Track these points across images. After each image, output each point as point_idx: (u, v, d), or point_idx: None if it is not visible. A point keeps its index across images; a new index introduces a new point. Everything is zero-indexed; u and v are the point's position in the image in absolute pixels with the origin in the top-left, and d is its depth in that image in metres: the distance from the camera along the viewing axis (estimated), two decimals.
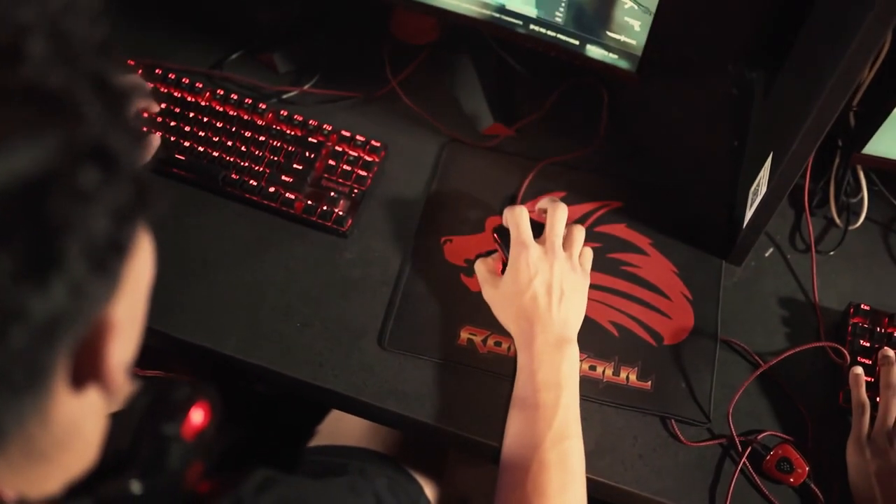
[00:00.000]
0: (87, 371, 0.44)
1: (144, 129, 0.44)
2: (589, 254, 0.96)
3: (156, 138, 1.00)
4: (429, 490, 1.07)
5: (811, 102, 0.80)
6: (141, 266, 0.48)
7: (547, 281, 0.89)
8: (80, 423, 0.47)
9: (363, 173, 1.03)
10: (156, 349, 0.99)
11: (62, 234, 0.38)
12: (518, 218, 0.92)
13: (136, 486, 0.51)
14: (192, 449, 0.53)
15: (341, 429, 1.10)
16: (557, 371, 0.84)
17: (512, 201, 1.05)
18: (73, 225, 0.38)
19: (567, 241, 0.93)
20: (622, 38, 0.97)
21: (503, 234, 0.94)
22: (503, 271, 0.93)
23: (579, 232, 0.94)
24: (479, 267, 0.95)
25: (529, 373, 0.85)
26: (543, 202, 0.96)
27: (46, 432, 0.45)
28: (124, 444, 0.52)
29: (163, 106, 1.05)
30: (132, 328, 0.48)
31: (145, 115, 1.03)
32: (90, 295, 0.41)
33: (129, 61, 1.09)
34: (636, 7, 0.93)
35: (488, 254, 0.98)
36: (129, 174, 0.41)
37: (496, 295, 0.92)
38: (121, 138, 0.41)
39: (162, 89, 1.07)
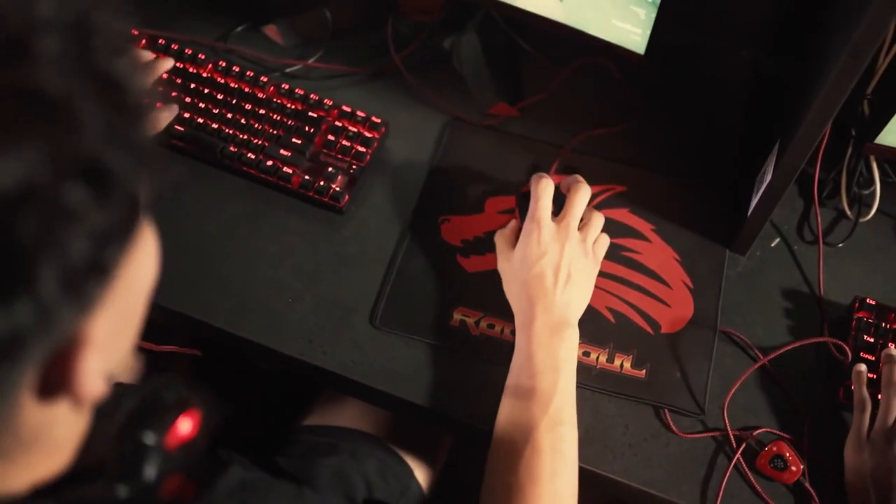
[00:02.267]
0: (56, 383, 0.41)
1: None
2: (605, 241, 0.93)
3: (172, 107, 1.00)
4: (420, 474, 1.06)
5: (818, 87, 0.77)
6: (138, 272, 0.45)
7: (555, 261, 0.86)
8: (47, 429, 0.45)
9: (362, 149, 1.01)
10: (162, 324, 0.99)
11: (34, 253, 0.35)
12: (541, 191, 0.89)
13: (122, 491, 0.49)
14: (173, 460, 0.51)
15: (334, 409, 1.09)
16: (555, 355, 0.82)
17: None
18: (47, 246, 0.35)
19: (584, 225, 0.90)
20: (628, 25, 0.94)
21: (523, 202, 0.91)
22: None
23: (598, 218, 0.91)
24: (498, 238, 0.92)
25: (527, 355, 0.83)
26: (568, 179, 0.93)
27: (10, 435, 0.43)
28: (103, 449, 0.50)
29: (164, 76, 1.05)
30: (118, 339, 0.46)
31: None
32: (59, 317, 0.38)
33: (133, 31, 1.09)
34: None
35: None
36: (125, 196, 0.38)
37: (506, 268, 0.90)
38: (122, 157, 0.37)
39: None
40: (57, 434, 0.47)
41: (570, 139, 1.06)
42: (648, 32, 0.95)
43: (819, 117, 0.78)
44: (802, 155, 0.83)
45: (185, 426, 0.52)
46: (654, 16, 0.93)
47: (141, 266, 0.45)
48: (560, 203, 0.90)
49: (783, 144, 0.87)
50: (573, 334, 0.85)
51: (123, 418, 0.51)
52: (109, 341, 0.44)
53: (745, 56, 1.08)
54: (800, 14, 0.99)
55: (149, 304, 0.49)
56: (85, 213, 0.36)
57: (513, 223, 0.92)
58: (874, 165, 0.99)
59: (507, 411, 0.83)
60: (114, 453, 0.50)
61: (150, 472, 0.50)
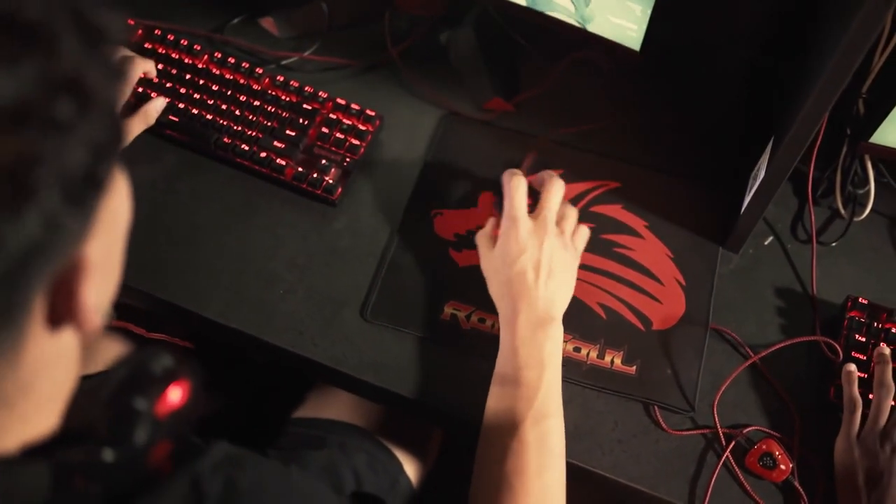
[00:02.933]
0: (62, 310, 0.44)
1: (122, 68, 0.45)
2: (584, 233, 0.93)
3: (160, 101, 1.00)
4: (410, 467, 1.06)
5: (812, 85, 0.77)
6: (117, 207, 0.47)
7: (535, 257, 0.86)
8: (49, 365, 0.47)
9: (356, 142, 1.01)
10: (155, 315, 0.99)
11: (36, 165, 0.38)
12: (514, 189, 0.89)
13: (108, 455, 0.49)
14: (162, 427, 0.51)
15: (325, 401, 1.09)
16: (540, 349, 0.82)
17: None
18: (47, 156, 0.38)
19: (560, 218, 0.90)
20: (624, 21, 0.94)
21: (500, 202, 0.91)
22: None
23: (572, 210, 0.92)
24: (479, 238, 0.92)
25: (511, 350, 0.83)
26: (541, 174, 0.93)
27: (13, 373, 0.44)
28: (94, 413, 0.51)
29: (160, 67, 1.05)
30: (109, 270, 0.48)
31: (141, 89, 1.03)
32: (65, 228, 0.40)
33: (129, 21, 1.09)
34: None
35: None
36: (106, 110, 0.42)
37: (488, 267, 0.90)
38: (97, 74, 0.41)
39: (160, 50, 1.06)
40: (54, 378, 0.48)
41: (566, 136, 1.06)
42: (644, 29, 0.95)
43: (812, 115, 0.78)
44: (795, 153, 0.82)
45: (175, 395, 0.53)
46: (649, 12, 0.93)
47: (121, 196, 0.48)
48: (536, 199, 0.90)
49: (777, 142, 0.87)
50: (557, 329, 0.85)
51: (114, 385, 0.51)
52: (103, 271, 0.46)
53: (741, 53, 1.07)
54: (796, 11, 0.99)
55: (125, 249, 0.51)
56: (76, 126, 0.39)
57: (492, 221, 0.92)
58: (869, 165, 0.99)
59: (493, 405, 0.83)
60: (104, 418, 0.50)
61: (141, 436, 0.50)
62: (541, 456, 0.79)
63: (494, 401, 0.84)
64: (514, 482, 0.77)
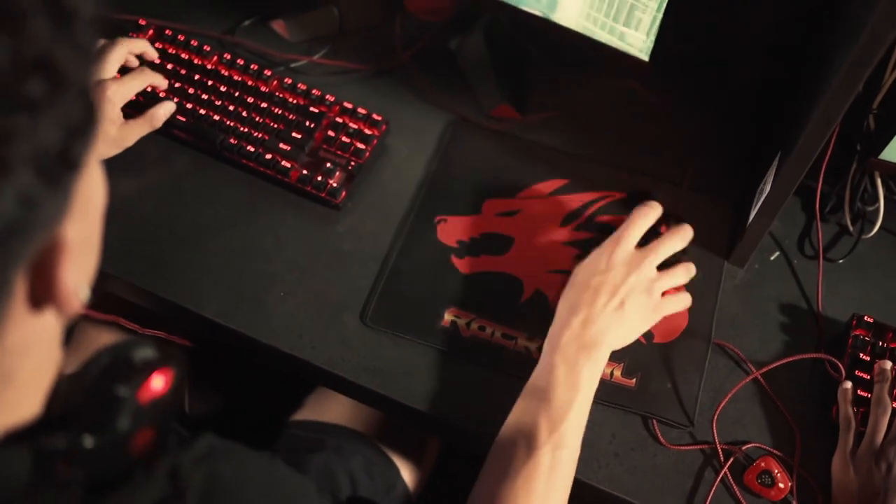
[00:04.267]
0: (42, 291, 0.44)
1: (96, 50, 0.45)
2: (682, 299, 0.89)
3: (169, 106, 1.00)
4: (407, 473, 1.05)
5: (819, 99, 0.76)
6: (92, 189, 0.48)
7: (615, 283, 0.83)
8: (31, 349, 0.47)
9: (361, 146, 1.01)
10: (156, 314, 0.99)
11: (9, 142, 0.38)
12: (639, 215, 0.87)
13: (88, 441, 0.49)
14: (144, 414, 0.51)
15: (324, 405, 1.09)
16: (579, 372, 0.80)
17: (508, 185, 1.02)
18: (20, 134, 0.38)
19: (667, 269, 0.87)
20: (633, 31, 0.94)
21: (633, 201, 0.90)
22: None
23: (686, 271, 0.88)
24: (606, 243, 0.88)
25: (549, 364, 0.81)
26: (678, 223, 0.90)
27: None
28: (76, 400, 0.51)
29: (169, 67, 1.05)
30: (87, 252, 0.49)
31: (150, 89, 1.03)
32: (41, 206, 0.40)
33: (140, 20, 1.09)
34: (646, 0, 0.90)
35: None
36: (79, 90, 0.41)
37: (575, 271, 0.87)
38: (69, 54, 0.41)
39: (170, 50, 1.07)
40: (36, 361, 0.48)
41: (573, 145, 1.05)
42: (653, 39, 0.95)
43: (819, 129, 0.77)
44: (802, 167, 0.81)
45: (157, 383, 0.53)
46: (658, 22, 0.92)
47: (96, 180, 0.48)
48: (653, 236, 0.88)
49: (784, 156, 0.86)
50: (602, 358, 0.82)
51: (97, 371, 0.51)
52: (80, 256, 0.46)
53: (750, 64, 1.06)
54: (806, 23, 0.98)
55: (101, 233, 0.51)
56: (48, 105, 0.39)
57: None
58: (878, 181, 0.98)
59: (515, 419, 0.81)
60: (87, 404, 0.50)
61: (123, 423, 0.50)
62: (549, 484, 0.77)
63: (518, 414, 0.81)
64: (514, 502, 0.76)
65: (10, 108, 0.38)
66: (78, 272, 0.45)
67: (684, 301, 0.89)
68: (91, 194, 0.47)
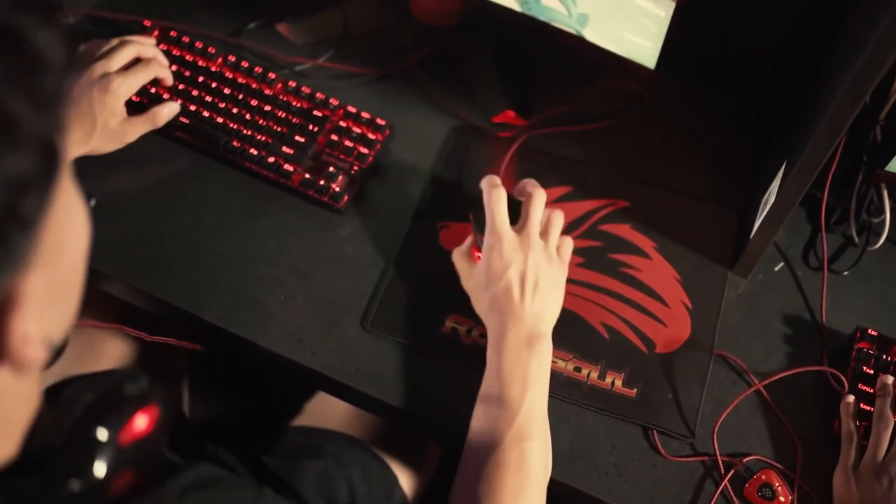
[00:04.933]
0: None
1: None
2: (569, 243, 0.90)
3: (173, 107, 1.00)
4: (406, 481, 1.05)
5: (825, 109, 0.76)
6: (65, 238, 0.45)
7: (521, 272, 0.84)
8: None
9: (365, 151, 1.01)
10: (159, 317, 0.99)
11: None
12: (495, 202, 0.87)
13: (72, 484, 0.48)
14: (126, 456, 0.50)
15: (325, 411, 1.08)
16: (525, 368, 0.81)
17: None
18: None
19: (545, 229, 0.88)
20: (639, 39, 0.93)
21: (479, 215, 0.89)
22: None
23: (558, 218, 0.89)
24: (456, 257, 0.91)
25: (496, 369, 0.82)
26: (522, 184, 0.91)
27: None
28: (56, 442, 0.49)
29: (174, 69, 1.05)
30: (55, 302, 0.46)
31: (154, 90, 1.03)
32: None
33: (145, 22, 1.09)
34: (653, 8, 0.89)
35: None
36: (33, 143, 0.38)
37: (471, 285, 0.89)
38: (24, 101, 0.38)
39: (175, 52, 1.07)
40: (10, 403, 0.46)
41: (577, 152, 1.05)
42: (659, 47, 0.94)
43: (825, 140, 0.76)
44: (807, 178, 0.81)
45: (140, 422, 0.51)
46: (664, 30, 0.92)
47: (70, 228, 0.45)
48: (517, 209, 0.88)
49: (789, 166, 0.85)
50: (545, 346, 0.83)
51: (80, 412, 0.50)
52: (46, 306, 0.43)
53: (758, 74, 1.06)
54: (813, 32, 0.97)
55: (85, 273, 0.49)
56: None
57: (469, 239, 0.91)
58: (885, 193, 0.97)
59: (476, 424, 0.82)
60: (66, 447, 0.49)
61: (101, 468, 0.49)
62: (518, 478, 0.77)
63: (477, 420, 0.82)
64: (486, 502, 0.76)
65: None
66: (43, 323, 0.43)
67: (570, 243, 0.91)
68: (62, 242, 0.44)
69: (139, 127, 0.97)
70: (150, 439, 0.52)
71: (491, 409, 0.81)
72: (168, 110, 0.99)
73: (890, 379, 0.86)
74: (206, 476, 0.57)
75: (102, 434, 0.49)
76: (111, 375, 0.52)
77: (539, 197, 0.88)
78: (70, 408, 0.50)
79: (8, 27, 0.38)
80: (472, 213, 0.91)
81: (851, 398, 0.86)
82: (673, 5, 0.88)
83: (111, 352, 1.10)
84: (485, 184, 0.89)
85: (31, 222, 0.40)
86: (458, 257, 0.91)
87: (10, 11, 0.38)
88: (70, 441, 0.49)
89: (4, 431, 0.48)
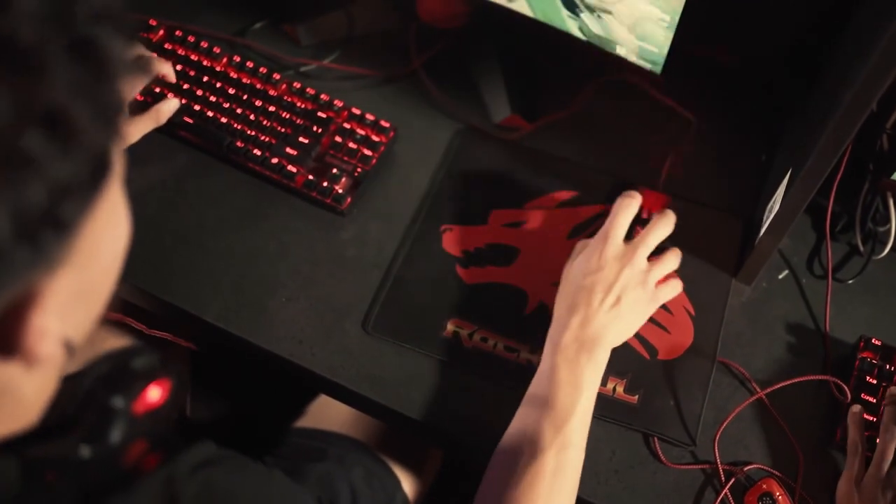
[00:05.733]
0: (8, 339, 0.41)
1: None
2: (674, 287, 0.88)
3: (173, 103, 1.00)
4: (407, 485, 1.05)
5: (831, 117, 0.75)
6: (102, 242, 0.45)
7: (609, 280, 0.83)
8: (8, 388, 0.45)
9: (368, 153, 1.00)
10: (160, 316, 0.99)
11: None
12: (622, 208, 0.87)
13: (83, 451, 0.49)
14: (139, 425, 0.51)
15: (328, 413, 1.08)
16: (581, 372, 0.80)
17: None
18: (1, 188, 0.36)
19: (656, 258, 0.87)
20: (645, 44, 0.93)
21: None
22: None
23: (674, 259, 0.88)
24: (579, 244, 0.90)
25: (550, 367, 0.81)
26: (659, 211, 0.90)
27: None
28: (70, 409, 0.50)
29: (178, 68, 1.05)
30: (80, 306, 0.46)
31: (158, 89, 1.03)
32: (14, 262, 0.38)
33: (151, 21, 1.09)
34: (659, 13, 0.89)
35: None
36: (86, 152, 0.39)
37: (566, 272, 0.88)
38: (86, 111, 0.38)
39: (180, 51, 1.07)
40: (21, 394, 0.46)
41: (583, 156, 1.04)
42: (666, 51, 0.94)
43: (830, 148, 0.76)
44: (812, 186, 0.80)
45: (154, 394, 0.52)
46: (671, 35, 0.91)
47: (109, 235, 0.45)
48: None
49: (794, 173, 0.84)
50: (603, 356, 0.82)
51: (93, 381, 0.51)
52: (71, 306, 0.44)
53: (765, 80, 1.05)
54: (819, 38, 0.97)
55: (117, 280, 0.49)
56: (42, 161, 0.37)
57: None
58: (891, 202, 0.96)
59: (518, 425, 0.80)
60: (81, 414, 0.50)
61: (116, 435, 0.49)
62: (553, 486, 0.76)
63: (520, 420, 0.81)
64: None
65: (2, 159, 0.36)
66: (65, 323, 0.43)
67: (677, 287, 0.89)
68: (99, 247, 0.45)
69: (143, 126, 0.96)
70: (163, 412, 0.52)
71: (537, 412, 0.79)
72: (169, 106, 0.99)
73: None
74: (216, 454, 0.57)
75: (117, 402, 0.50)
76: (125, 350, 0.53)
77: (664, 222, 0.88)
78: (85, 377, 0.51)
79: (88, 37, 0.39)
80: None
81: (858, 408, 0.85)
82: (679, 10, 0.88)
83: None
84: (624, 192, 0.89)
85: (67, 227, 0.40)
86: (580, 244, 0.89)
87: (91, 22, 0.39)
88: (85, 408, 0.50)
89: (25, 410, 0.48)
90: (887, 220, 0.97)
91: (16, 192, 0.36)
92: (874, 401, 0.87)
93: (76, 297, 0.44)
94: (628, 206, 0.87)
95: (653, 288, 0.86)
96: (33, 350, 0.42)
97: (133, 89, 0.98)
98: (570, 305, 0.83)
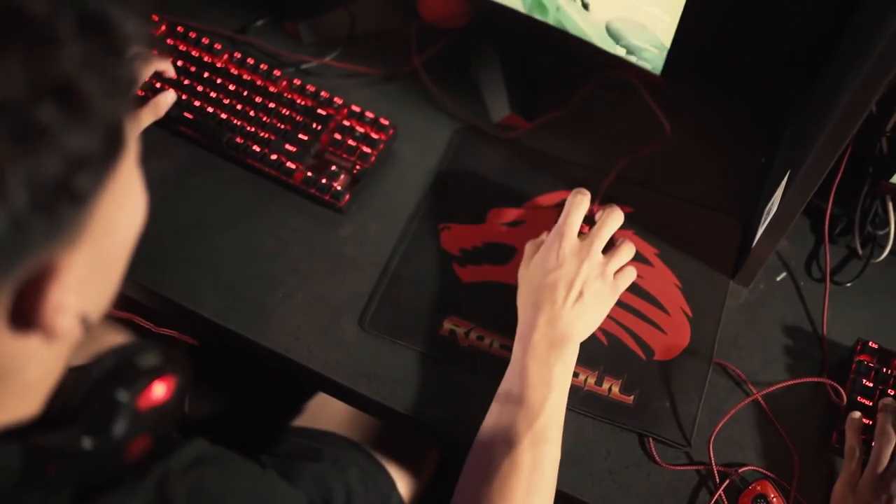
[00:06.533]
0: (27, 314, 0.42)
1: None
2: (630, 274, 0.90)
3: (171, 95, 1.00)
4: (403, 485, 1.04)
5: (829, 119, 0.75)
6: (119, 220, 0.46)
7: (570, 276, 0.85)
8: (18, 365, 0.46)
9: (367, 150, 1.00)
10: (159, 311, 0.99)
11: (4, 164, 0.37)
12: (573, 206, 0.89)
13: (85, 443, 0.49)
14: (143, 421, 0.51)
15: (324, 412, 1.08)
16: (550, 370, 0.81)
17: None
18: (17, 158, 0.37)
19: (612, 251, 0.88)
20: (646, 45, 0.93)
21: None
22: None
23: (628, 248, 0.90)
24: (528, 245, 0.91)
25: (521, 366, 0.82)
26: (606, 205, 0.91)
27: None
28: (74, 400, 0.50)
29: (179, 64, 1.05)
30: (96, 282, 0.47)
31: (156, 82, 1.03)
32: (32, 233, 0.39)
33: (153, 16, 1.09)
34: (660, 14, 0.89)
35: None
36: (99, 123, 0.40)
37: (523, 274, 0.89)
38: (98, 84, 0.39)
39: (181, 47, 1.07)
40: (30, 374, 0.48)
41: (581, 156, 1.04)
42: (665, 53, 0.94)
43: (827, 150, 0.76)
44: (809, 187, 0.80)
45: (159, 390, 0.52)
46: (671, 36, 0.91)
47: (124, 212, 0.47)
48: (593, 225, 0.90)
49: (792, 175, 0.84)
50: (572, 352, 0.83)
51: (99, 374, 0.51)
52: (87, 282, 0.45)
53: (764, 82, 1.05)
54: (820, 41, 0.96)
55: (130, 258, 0.50)
56: (55, 132, 0.38)
57: (544, 234, 0.91)
58: (890, 205, 0.96)
59: (492, 419, 0.81)
60: (85, 406, 0.50)
61: (119, 429, 0.50)
62: (531, 480, 0.77)
63: (493, 418, 0.82)
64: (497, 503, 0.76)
65: (13, 129, 0.37)
66: (82, 298, 0.44)
67: (633, 274, 0.91)
68: (115, 223, 0.46)
69: (142, 119, 0.97)
70: (167, 409, 0.53)
71: (510, 409, 0.80)
72: (167, 98, 0.99)
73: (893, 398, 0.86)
74: (210, 453, 0.57)
75: (122, 396, 0.50)
76: (132, 345, 0.53)
77: (614, 216, 0.89)
78: (90, 370, 0.51)
79: (99, 13, 0.40)
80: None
81: (858, 414, 0.85)
82: (679, 11, 0.88)
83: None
84: (574, 190, 0.90)
85: (83, 199, 0.41)
86: (528, 246, 0.91)
87: (103, 2, 0.40)
88: (89, 400, 0.50)
89: (30, 394, 0.49)
90: (886, 224, 0.97)
91: (31, 164, 0.37)
92: (871, 404, 0.87)
93: (92, 274, 0.45)
94: (580, 204, 0.89)
95: (612, 279, 0.88)
96: (52, 324, 0.43)
97: (146, 69, 0.98)
98: (535, 304, 0.85)
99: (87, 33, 0.39)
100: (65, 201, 0.40)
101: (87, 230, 0.43)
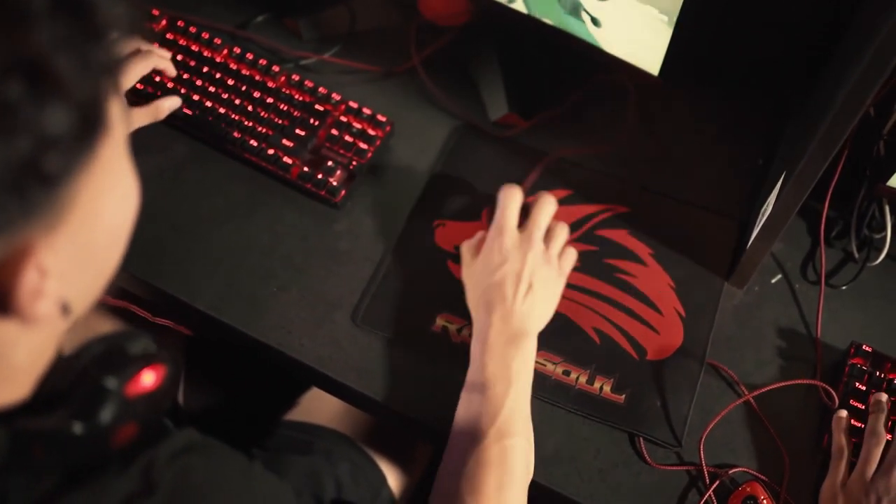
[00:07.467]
0: (3, 295, 0.42)
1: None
2: (572, 255, 0.92)
3: (175, 100, 1.00)
4: (393, 480, 1.04)
5: (823, 120, 0.75)
6: (103, 210, 0.46)
7: (516, 270, 0.85)
8: (1, 349, 0.46)
9: (364, 146, 1.00)
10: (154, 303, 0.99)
11: None
12: (507, 200, 0.89)
13: (75, 427, 0.49)
14: (130, 408, 0.51)
15: (317, 406, 1.08)
16: (508, 365, 0.81)
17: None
18: None
19: (549, 236, 0.89)
20: (644, 45, 0.93)
21: (494, 213, 0.91)
22: None
23: (562, 229, 0.91)
24: (463, 247, 0.92)
25: (480, 364, 0.82)
26: (538, 194, 0.92)
27: None
28: (63, 385, 0.50)
29: (179, 58, 1.05)
30: (82, 270, 0.47)
31: (158, 78, 1.04)
32: (1, 213, 0.39)
33: (153, 10, 1.10)
34: (657, 14, 0.89)
35: None
36: (72, 103, 0.39)
37: (468, 275, 0.90)
38: (71, 63, 0.39)
39: (181, 41, 1.07)
40: (16, 359, 0.47)
41: (578, 156, 1.04)
42: (663, 53, 0.93)
43: (822, 151, 0.75)
44: (804, 189, 0.80)
45: (147, 378, 0.52)
46: (668, 37, 0.91)
47: (110, 199, 0.46)
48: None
49: (787, 177, 0.84)
50: (529, 345, 0.84)
51: (87, 361, 0.51)
52: (72, 270, 0.44)
53: (761, 82, 1.05)
54: (817, 41, 0.96)
55: (125, 249, 0.50)
56: (23, 110, 0.37)
57: (480, 233, 0.91)
58: (887, 209, 0.96)
59: (460, 416, 0.82)
60: (73, 392, 0.50)
61: (106, 415, 0.49)
62: (500, 475, 0.77)
63: (462, 411, 0.82)
64: (467, 499, 0.76)
65: None
66: (65, 286, 0.44)
67: (574, 255, 0.92)
68: (98, 212, 0.45)
69: (140, 118, 0.97)
70: (156, 397, 0.53)
71: (473, 406, 0.81)
72: (170, 103, 1.00)
73: (884, 396, 0.85)
74: (198, 442, 0.57)
75: (110, 382, 0.50)
76: (122, 333, 0.53)
77: (547, 203, 0.90)
78: (79, 356, 0.51)
79: None
80: (487, 210, 0.93)
81: (844, 413, 0.85)
82: (677, 12, 0.88)
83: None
84: (503, 186, 0.91)
85: (53, 181, 0.40)
86: (465, 248, 0.92)
87: None
88: (78, 386, 0.50)
89: (17, 379, 0.49)
90: (883, 227, 0.96)
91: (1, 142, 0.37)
92: (863, 407, 0.86)
93: (77, 261, 0.45)
94: (514, 197, 0.90)
95: (556, 263, 0.89)
96: (29, 308, 0.42)
97: (146, 63, 0.97)
98: (487, 304, 0.85)
99: (61, 13, 0.38)
100: (34, 181, 0.39)
101: (65, 214, 0.42)
